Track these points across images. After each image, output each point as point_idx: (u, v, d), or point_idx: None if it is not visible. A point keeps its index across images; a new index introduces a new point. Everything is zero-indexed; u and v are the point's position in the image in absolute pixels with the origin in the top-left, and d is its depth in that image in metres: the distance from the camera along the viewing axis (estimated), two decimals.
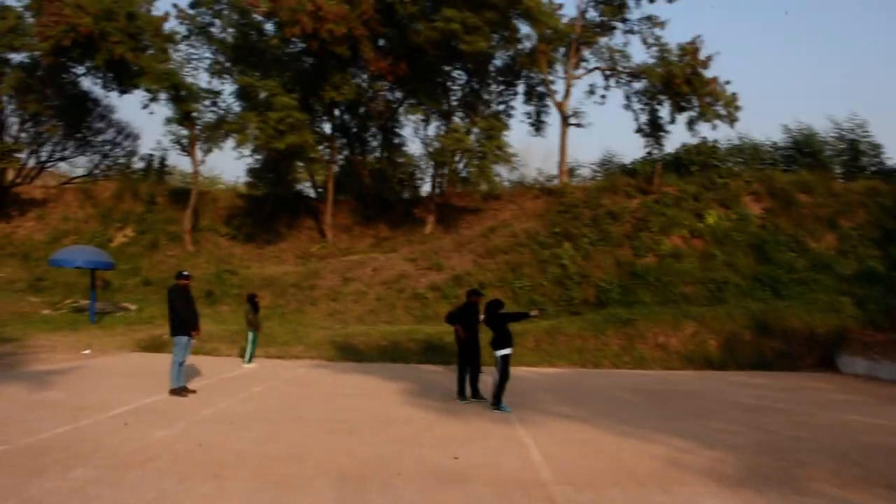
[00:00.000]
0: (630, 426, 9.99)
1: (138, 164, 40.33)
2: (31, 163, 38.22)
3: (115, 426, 9.10)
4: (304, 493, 6.35)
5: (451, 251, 27.91)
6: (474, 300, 12.37)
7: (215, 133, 31.08)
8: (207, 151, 32.72)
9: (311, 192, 37.63)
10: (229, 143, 30.94)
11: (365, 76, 31.84)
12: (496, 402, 11.24)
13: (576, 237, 26.68)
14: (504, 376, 11.21)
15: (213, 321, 24.92)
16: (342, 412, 10.67)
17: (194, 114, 30.35)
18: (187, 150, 31.65)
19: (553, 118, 37.15)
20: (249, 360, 17.35)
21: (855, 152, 31.18)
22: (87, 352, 19.01)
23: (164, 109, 30.14)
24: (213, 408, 10.71)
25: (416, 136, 34.95)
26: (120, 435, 8.57)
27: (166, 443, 8.19)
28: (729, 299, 22.96)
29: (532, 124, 35.77)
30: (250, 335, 17.41)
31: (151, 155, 39.02)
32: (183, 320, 12.03)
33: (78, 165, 40.67)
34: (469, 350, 12.18)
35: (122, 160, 40.28)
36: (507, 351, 11.26)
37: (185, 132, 31.01)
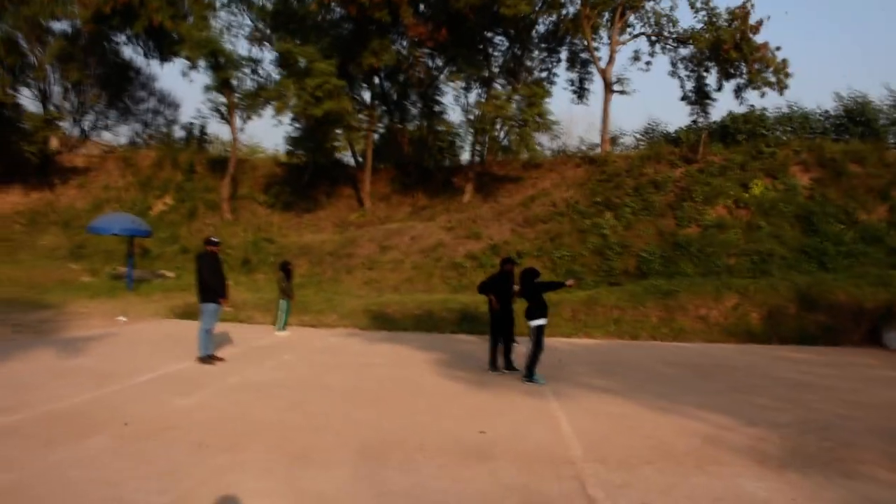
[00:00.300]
0: (668, 401, 9.62)
1: (178, 133, 40.56)
2: (75, 132, 38.65)
3: (137, 393, 9.01)
4: (320, 467, 6.14)
5: (489, 220, 27.54)
6: (508, 269, 12.03)
7: (254, 101, 30.95)
8: (246, 119, 32.68)
9: (351, 161, 37.45)
10: (268, 111, 30.91)
11: (405, 42, 31.38)
12: (529, 374, 10.94)
13: (617, 206, 26.11)
14: (538, 347, 10.89)
15: (248, 289, 25.01)
16: (369, 382, 10.46)
17: (233, 81, 30.24)
18: (226, 117, 31.61)
19: (596, 85, 36.48)
20: (282, 329, 17.27)
21: None
22: (122, 318, 19.12)
23: (203, 77, 30.19)
24: (239, 376, 10.59)
25: (456, 103, 34.43)
26: (142, 403, 8.46)
27: (186, 411, 8.06)
28: (773, 271, 22.27)
29: (575, 92, 35.14)
30: (283, 303, 17.31)
31: (191, 123, 39.17)
32: (211, 287, 11.88)
33: (120, 134, 41.11)
34: (502, 320, 11.87)
35: (162, 129, 40.49)
36: (541, 321, 10.93)
37: (223, 100, 30.93)
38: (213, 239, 12.33)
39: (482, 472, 6.17)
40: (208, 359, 11.84)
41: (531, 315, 10.93)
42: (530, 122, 27.39)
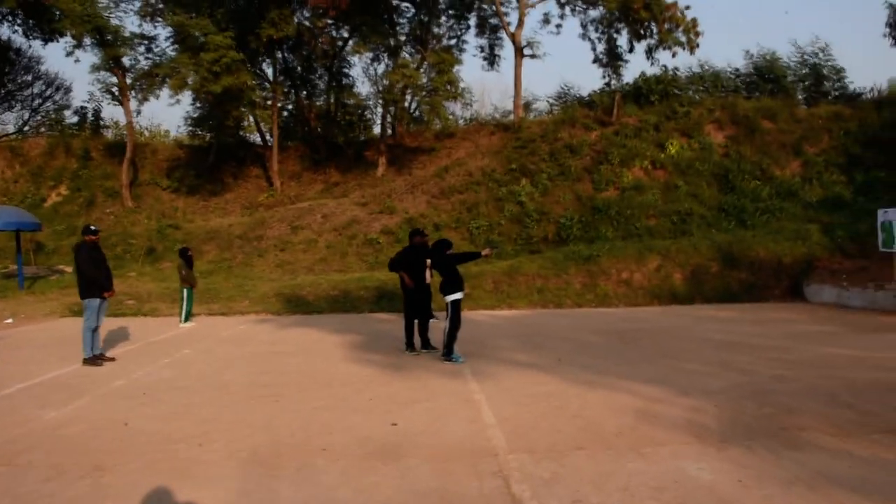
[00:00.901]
0: (595, 373, 8.96)
1: (71, 119, 38.08)
2: None
3: (1, 408, 7.84)
4: (200, 485, 5.17)
5: (403, 193, 26.63)
6: (419, 242, 11.13)
7: (149, 80, 29.15)
8: (143, 101, 30.77)
9: (258, 140, 35.91)
10: (167, 91, 29.16)
11: (306, 13, 29.98)
12: (447, 353, 10.12)
13: (533, 173, 25.53)
14: (455, 324, 10.08)
15: (153, 279, 23.59)
16: (273, 375, 9.48)
17: (124, 59, 28.35)
18: (119, 99, 29.68)
19: (507, 51, 35.69)
20: (186, 320, 16.06)
21: (818, 77, 30.20)
22: (8, 321, 17.55)
23: (92, 57, 28.03)
24: (126, 378, 9.45)
25: (366, 77, 33.14)
26: (2, 419, 7.32)
27: (53, 427, 6.94)
28: (693, 231, 22.10)
29: (485, 58, 34.37)
30: (185, 292, 16.09)
31: (84, 107, 36.74)
32: (92, 280, 10.61)
33: (6, 122, 38.27)
34: (417, 297, 11.02)
35: (52, 115, 37.95)
36: (458, 295, 10.11)
37: (114, 80, 28.99)
38: (91, 227, 11.03)
39: (392, 474, 5.32)
40: (94, 360, 10.64)
41: (446, 290, 10.10)
42: (440, 90, 26.45)
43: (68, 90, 39.13)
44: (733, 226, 22.41)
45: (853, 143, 25.12)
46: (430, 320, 11.26)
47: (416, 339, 11.20)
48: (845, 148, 25.08)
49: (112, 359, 10.94)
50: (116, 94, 29.55)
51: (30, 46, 34.93)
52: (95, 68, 27.90)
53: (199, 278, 23.08)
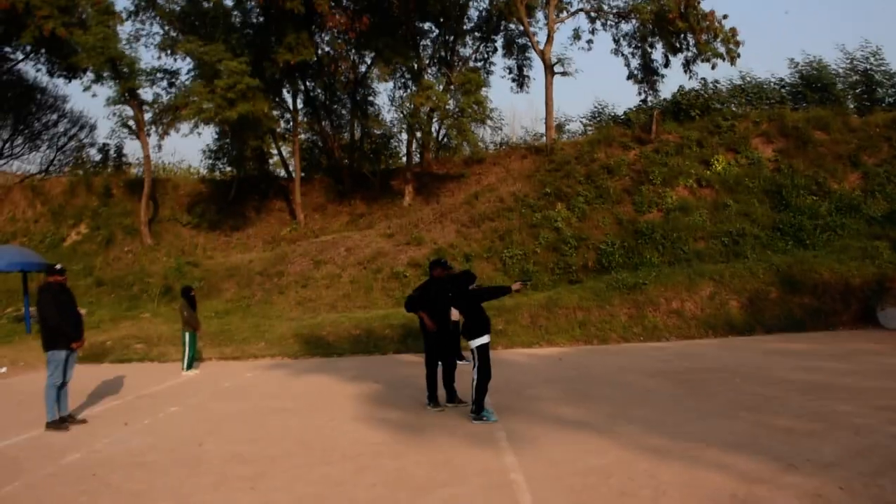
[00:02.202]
0: (663, 435, 7.17)
1: (93, 156, 37.19)
2: None
3: None
4: None
5: (431, 223, 25.00)
6: (439, 274, 9.44)
7: (168, 113, 28.02)
8: (163, 135, 29.65)
9: (282, 173, 34.61)
10: (188, 126, 28.06)
11: (325, 36, 28.71)
12: (476, 410, 8.36)
13: (569, 196, 23.77)
14: (484, 374, 8.33)
15: (167, 321, 22.14)
16: (263, 443, 7.78)
17: (140, 92, 27.29)
18: (136, 133, 28.58)
19: (536, 71, 34.11)
20: (189, 367, 14.52)
21: (869, 84, 28.14)
22: (2, 370, 16.16)
23: (111, 92, 26.98)
24: (84, 450, 7.82)
25: (391, 105, 31.84)
26: None
27: None
28: (748, 253, 20.12)
29: (514, 80, 32.78)
30: (187, 336, 14.56)
31: (106, 144, 35.78)
32: (55, 329, 9.00)
33: (30, 162, 37.56)
34: (440, 341, 9.32)
35: (75, 153, 37.14)
36: (484, 339, 8.39)
37: (131, 113, 27.92)
38: (56, 267, 9.45)
39: None
40: (59, 423, 9.04)
41: (470, 332, 8.39)
42: (467, 112, 24.90)
43: (93, 128, 38.39)
44: (791, 246, 20.42)
45: None
46: (459, 363, 9.53)
47: (441, 392, 9.47)
48: None
49: (83, 421, 9.36)
50: (134, 128, 28.46)
51: (54, 85, 34.16)
52: (111, 102, 26.85)
53: (206, 319, 21.70)
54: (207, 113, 23.36)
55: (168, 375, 14.34)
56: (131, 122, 28.28)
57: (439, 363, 9.36)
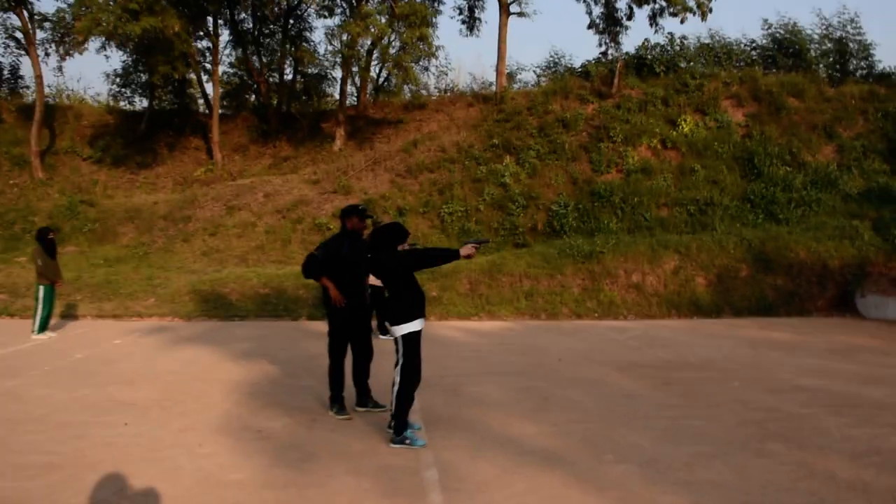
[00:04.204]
0: (674, 486, 4.70)
1: None
2: None
3: None
4: None
5: (363, 170, 22.14)
6: (356, 226, 6.73)
7: (63, 26, 24.24)
8: (64, 56, 25.88)
9: (204, 108, 31.01)
10: (94, 46, 24.37)
11: None
12: (398, 428, 5.63)
13: (519, 150, 21.17)
14: (411, 375, 5.65)
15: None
16: (46, 476, 5.04)
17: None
18: (24, 47, 24.80)
19: (489, 13, 31.06)
20: (42, 329, 11.53)
21: (843, 53, 26.15)
22: None
23: None
24: None
25: (329, 44, 28.36)
26: None
27: None
28: (716, 224, 17.95)
29: (464, 21, 29.75)
30: (41, 290, 11.54)
31: None
32: None
33: None
34: (351, 320, 6.64)
35: None
36: (413, 326, 5.67)
37: (18, 23, 24.12)
38: None
39: None
40: None
41: (395, 314, 5.69)
42: (409, 47, 21.92)
43: None
44: (762, 219, 18.34)
45: (894, 128, 21.10)
46: (381, 338, 6.88)
47: (350, 391, 6.79)
48: (885, 132, 21.06)
49: None
50: (23, 41, 24.65)
51: None
52: None
53: (92, 267, 18.60)
54: (104, 27, 19.83)
55: (15, 338, 11.36)
56: (19, 35, 24.46)
57: (348, 351, 6.70)
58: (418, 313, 5.63)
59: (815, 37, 26.37)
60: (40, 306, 11.45)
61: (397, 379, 5.63)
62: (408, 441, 5.54)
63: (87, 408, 6.77)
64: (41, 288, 11.50)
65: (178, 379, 8.16)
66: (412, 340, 5.60)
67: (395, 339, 5.68)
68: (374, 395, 6.81)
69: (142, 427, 6.09)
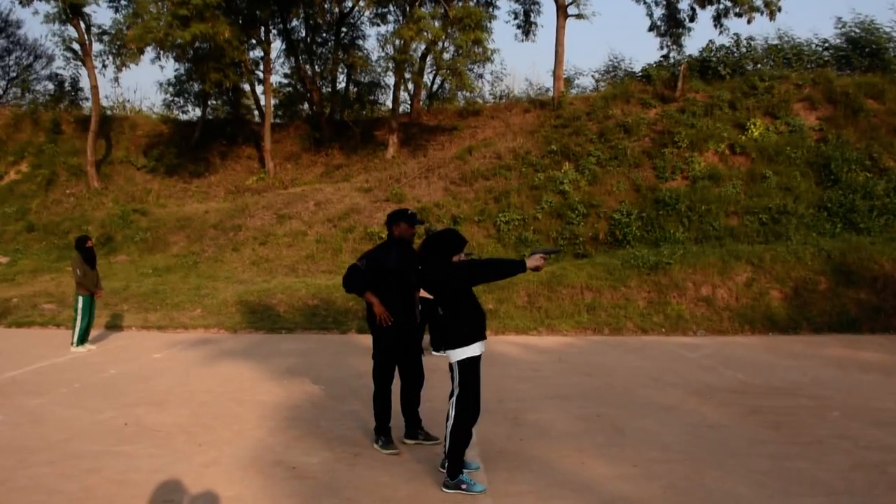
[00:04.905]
0: None
1: (45, 88, 33.19)
2: None
3: None
4: None
5: (416, 178, 21.48)
6: (404, 233, 5.97)
7: (123, 37, 24.16)
8: (120, 67, 25.83)
9: (257, 117, 30.78)
10: (149, 56, 24.26)
11: None
12: (452, 470, 4.84)
13: (579, 156, 20.27)
14: (469, 408, 4.89)
15: (102, 276, 18.73)
16: None
17: (86, 8, 23.46)
18: (81, 59, 24.81)
19: (545, 17, 30.30)
20: (81, 341, 11.06)
21: None
22: None
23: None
24: None
25: (382, 51, 27.78)
26: None
27: None
28: (790, 234, 16.79)
29: (519, 26, 29.02)
30: (80, 301, 11.08)
31: (58, 74, 31.75)
32: None
33: None
34: (400, 342, 5.90)
35: (22, 83, 33.23)
36: (472, 350, 4.88)
37: (75, 35, 24.10)
38: None
39: None
40: None
41: (450, 336, 4.91)
42: (464, 51, 21.20)
43: (51, 59, 34.35)
44: (840, 229, 17.09)
45: None
46: (436, 354, 6.12)
47: (398, 421, 6.02)
48: None
49: None
50: (79, 53, 24.66)
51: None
52: (50, 18, 22.97)
53: (141, 277, 18.27)
54: (155, 34, 19.56)
55: (55, 350, 10.94)
56: (76, 46, 24.47)
57: (395, 376, 5.95)
58: (478, 335, 4.84)
59: (895, 35, 24.87)
60: (79, 318, 10.99)
61: (452, 412, 4.84)
62: (464, 486, 4.75)
63: (108, 433, 6.15)
64: (80, 298, 11.04)
65: (212, 399, 7.51)
66: (471, 367, 4.81)
67: (451, 365, 4.91)
68: (424, 425, 6.03)
69: (162, 459, 5.42)
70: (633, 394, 8.01)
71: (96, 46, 25.86)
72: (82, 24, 24.16)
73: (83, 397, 7.59)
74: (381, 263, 5.79)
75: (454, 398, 4.89)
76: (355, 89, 29.56)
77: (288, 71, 30.24)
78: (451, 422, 4.86)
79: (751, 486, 4.90)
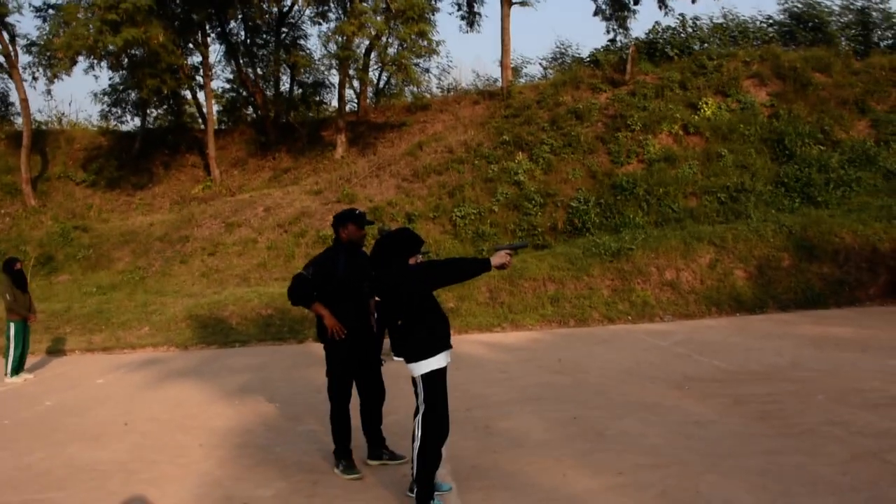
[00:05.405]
0: None
1: None
2: None
3: None
4: None
5: (367, 177, 20.88)
6: (355, 235, 5.47)
7: (49, 49, 23.09)
8: (52, 78, 24.68)
9: (202, 124, 29.81)
10: (82, 66, 23.19)
11: None
12: (422, 494, 4.30)
13: (532, 145, 19.86)
14: (436, 427, 4.37)
15: (40, 299, 17.82)
16: None
17: (9, 19, 22.41)
18: (7, 71, 23.70)
19: (490, 5, 29.63)
20: (15, 371, 10.28)
21: (866, 24, 24.71)
22: None
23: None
24: None
25: (322, 46, 26.91)
26: None
27: None
28: (750, 212, 16.57)
29: (463, 17, 28.51)
30: (12, 327, 10.29)
31: None
32: None
33: None
34: (355, 356, 5.36)
35: None
36: (436, 362, 4.37)
37: None
38: None
39: None
40: None
41: (411, 347, 4.39)
42: (408, 44, 20.63)
43: None
44: (798, 204, 16.94)
45: None
46: (394, 360, 5.61)
47: (359, 440, 5.48)
48: None
49: None
50: (4, 64, 23.53)
51: None
52: None
53: (85, 296, 17.45)
54: (83, 42, 18.61)
55: None
56: (1, 59, 23.36)
57: (354, 392, 5.41)
58: (442, 345, 4.33)
59: (836, 9, 24.94)
60: (12, 345, 10.21)
61: (418, 432, 4.31)
62: None
63: (34, 478, 5.49)
64: (12, 325, 10.26)
65: (156, 429, 6.88)
66: (436, 380, 4.29)
67: (414, 380, 4.39)
68: (389, 443, 5.51)
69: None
70: (608, 391, 7.57)
71: (25, 58, 24.79)
72: (6, 35, 23.07)
73: (11, 436, 6.90)
74: (329, 270, 5.25)
75: (419, 416, 4.36)
76: (300, 90, 28.81)
77: (230, 75, 29.40)
78: (417, 442, 4.34)
79: (751, 489, 4.46)
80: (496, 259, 4.22)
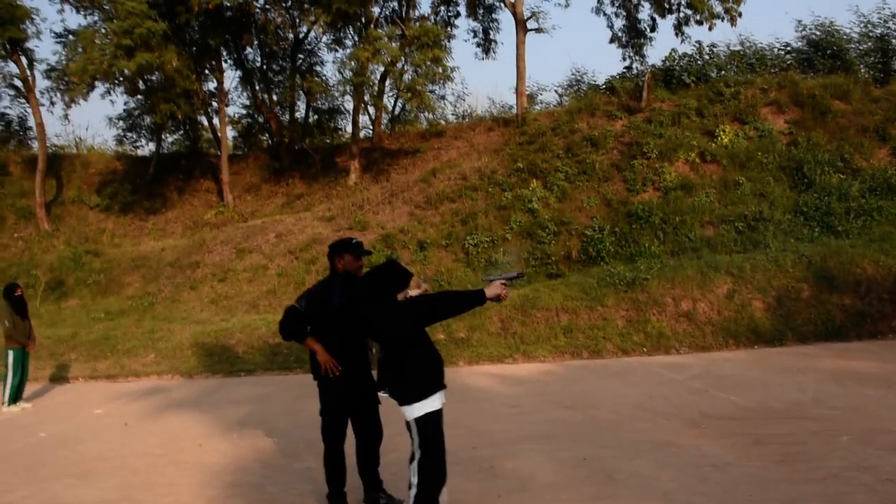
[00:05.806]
0: None
1: None
2: None
3: None
4: None
5: (380, 204, 20.71)
6: (352, 265, 5.19)
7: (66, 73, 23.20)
8: (69, 103, 24.78)
9: (216, 150, 29.82)
10: (99, 91, 23.27)
11: None
12: None
13: (546, 173, 19.62)
14: (433, 472, 4.09)
15: (50, 324, 17.78)
16: None
17: (28, 43, 22.51)
18: (25, 95, 23.82)
19: (505, 34, 29.74)
20: (13, 399, 10.08)
21: (886, 51, 24.42)
22: None
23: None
24: None
25: (341, 76, 26.93)
26: None
27: None
28: (768, 241, 16.18)
29: (479, 44, 28.45)
30: (10, 354, 10.10)
31: (5, 113, 30.60)
32: None
33: None
34: (351, 394, 5.09)
35: None
36: (430, 404, 4.11)
37: (16, 71, 23.12)
38: None
39: None
40: None
41: (403, 390, 4.13)
42: (422, 70, 20.54)
43: None
44: (818, 233, 16.55)
45: None
46: (381, 426, 5.32)
47: (355, 482, 5.20)
48: None
49: None
50: (22, 89, 23.66)
51: None
52: None
53: (92, 321, 17.33)
54: (97, 66, 18.63)
55: None
56: (19, 83, 23.49)
57: (347, 434, 5.13)
58: (436, 385, 4.05)
59: (855, 36, 24.66)
60: (10, 374, 10.01)
61: (414, 480, 4.04)
62: None
63: None
64: (10, 353, 10.07)
65: (147, 465, 6.62)
66: (431, 424, 4.02)
67: (408, 424, 4.11)
68: (387, 486, 5.21)
69: None
70: (620, 428, 7.24)
71: (43, 83, 24.94)
72: (24, 60, 23.21)
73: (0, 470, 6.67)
74: (324, 303, 4.99)
75: (415, 463, 4.08)
76: (315, 116, 28.82)
77: (246, 101, 29.46)
78: (413, 490, 4.06)
79: None
80: (490, 290, 3.96)
